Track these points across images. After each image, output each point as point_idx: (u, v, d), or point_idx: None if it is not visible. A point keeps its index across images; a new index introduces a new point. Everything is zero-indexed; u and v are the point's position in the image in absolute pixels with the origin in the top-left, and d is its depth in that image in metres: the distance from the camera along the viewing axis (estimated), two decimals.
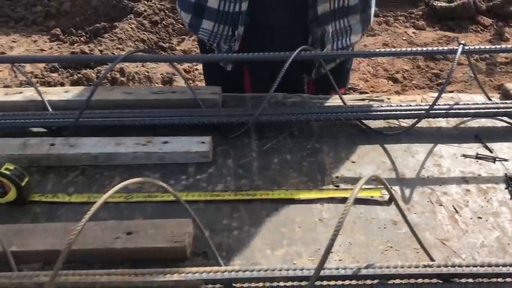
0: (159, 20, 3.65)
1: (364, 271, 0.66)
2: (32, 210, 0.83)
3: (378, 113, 1.01)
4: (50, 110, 1.02)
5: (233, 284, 0.68)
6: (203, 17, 1.16)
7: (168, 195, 0.80)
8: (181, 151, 0.92)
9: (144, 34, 3.50)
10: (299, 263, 0.73)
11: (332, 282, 0.66)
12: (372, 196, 0.85)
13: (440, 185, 0.87)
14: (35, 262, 0.74)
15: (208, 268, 0.68)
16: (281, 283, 0.66)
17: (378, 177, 0.65)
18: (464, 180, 0.88)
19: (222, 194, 0.86)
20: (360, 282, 0.66)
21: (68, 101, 1.04)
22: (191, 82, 2.85)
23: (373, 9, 1.25)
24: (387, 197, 0.85)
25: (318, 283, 0.65)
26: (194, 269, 0.68)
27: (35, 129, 1.01)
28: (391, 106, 1.02)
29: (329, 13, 1.12)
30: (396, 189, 0.87)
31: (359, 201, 0.84)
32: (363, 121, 1.02)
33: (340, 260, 0.74)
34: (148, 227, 0.76)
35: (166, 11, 3.74)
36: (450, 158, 0.94)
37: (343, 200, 0.84)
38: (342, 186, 0.88)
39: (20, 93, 1.08)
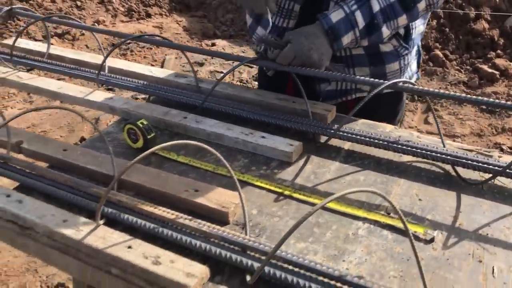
0: None
1: (323, 269, 0.73)
2: (149, 157, 1.10)
3: (475, 163, 0.99)
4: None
5: (247, 252, 0.80)
6: (259, 24, 1.36)
7: (229, 172, 0.97)
8: (271, 146, 1.08)
9: None
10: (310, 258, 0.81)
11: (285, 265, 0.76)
12: (415, 231, 0.86)
13: (494, 246, 0.83)
14: (131, 191, 0.99)
15: (232, 231, 0.82)
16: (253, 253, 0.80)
17: (379, 192, 0.69)
18: None
19: (283, 188, 0.98)
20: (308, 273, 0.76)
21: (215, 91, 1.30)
22: None
23: (396, 65, 1.30)
24: (429, 237, 0.85)
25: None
26: (223, 228, 0.83)
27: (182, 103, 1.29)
28: (497, 162, 0.98)
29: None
30: (444, 233, 0.86)
31: (399, 230, 0.86)
32: (456, 167, 1.01)
33: (347, 268, 0.79)
34: (210, 191, 0.94)
35: None
36: None
37: (386, 226, 0.88)
38: (392, 215, 0.91)
39: (185, 77, 1.38)
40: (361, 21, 1.17)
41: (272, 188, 0.99)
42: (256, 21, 1.38)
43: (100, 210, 0.85)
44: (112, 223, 0.88)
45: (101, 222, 0.87)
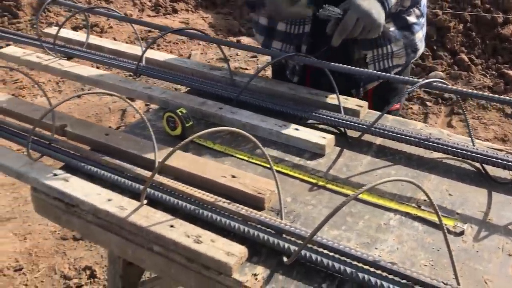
0: None
1: (358, 254, 0.76)
2: (188, 145, 1.14)
3: (505, 162, 1.01)
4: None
5: (283, 235, 0.84)
6: (274, 38, 1.41)
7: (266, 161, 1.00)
8: (304, 138, 1.11)
9: None
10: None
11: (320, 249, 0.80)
12: (445, 224, 0.89)
13: None
14: (171, 175, 1.03)
15: (269, 216, 0.86)
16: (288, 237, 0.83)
17: (414, 182, 0.72)
18: None
19: (317, 179, 1.02)
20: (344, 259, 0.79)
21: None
22: None
23: (420, 34, 1.40)
24: (459, 230, 0.88)
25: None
26: (259, 213, 0.87)
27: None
28: None
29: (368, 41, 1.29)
30: (474, 227, 0.89)
31: (430, 222, 0.89)
32: (485, 166, 1.03)
33: (379, 255, 0.82)
34: (246, 177, 0.98)
35: None
36: None
37: (417, 218, 0.91)
38: (423, 208, 0.93)
39: (219, 70, 1.42)
40: None
41: (306, 178, 1.02)
42: (269, 36, 1.43)
43: (145, 192, 0.90)
44: (154, 203, 0.93)
45: (145, 202, 0.91)
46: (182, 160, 1.04)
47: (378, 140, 1.14)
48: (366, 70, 1.21)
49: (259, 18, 1.46)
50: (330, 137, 1.12)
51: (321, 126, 1.19)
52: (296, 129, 1.14)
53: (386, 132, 1.11)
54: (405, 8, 1.34)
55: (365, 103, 1.24)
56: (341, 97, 1.24)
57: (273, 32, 1.41)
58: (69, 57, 1.58)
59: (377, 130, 1.12)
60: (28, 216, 2.25)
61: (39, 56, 1.54)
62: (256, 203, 0.94)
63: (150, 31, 4.68)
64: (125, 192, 0.97)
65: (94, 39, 1.64)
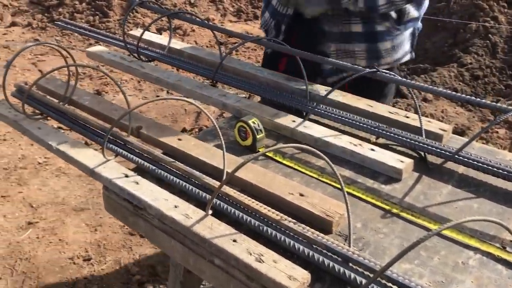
0: (481, 75, 3.59)
1: None
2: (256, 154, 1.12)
3: None
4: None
5: (350, 264, 0.79)
6: (267, 10, 1.59)
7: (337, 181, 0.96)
8: (380, 160, 1.05)
9: (459, 84, 3.52)
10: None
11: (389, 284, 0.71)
12: None
13: None
14: (237, 186, 1.01)
15: (336, 241, 0.82)
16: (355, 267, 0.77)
17: (502, 223, 0.65)
18: None
19: (391, 205, 0.96)
20: None
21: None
22: None
23: (387, 44, 1.47)
24: None
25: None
26: (326, 236, 0.83)
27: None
28: None
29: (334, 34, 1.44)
30: None
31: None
32: None
33: None
34: (315, 197, 0.94)
35: (493, 69, 3.64)
36: None
37: (500, 260, 0.82)
38: (508, 249, 0.85)
39: (295, 81, 1.39)
40: None
41: (379, 203, 0.97)
42: (265, 7, 1.60)
43: (211, 202, 0.88)
44: (219, 214, 0.91)
45: (210, 212, 0.90)
46: (250, 172, 1.02)
47: (461, 169, 1.06)
48: (334, 60, 1.29)
49: None
50: (409, 161, 1.05)
51: (399, 148, 1.13)
52: (372, 150, 1.09)
53: (470, 161, 1.02)
54: (375, 15, 1.43)
55: (449, 127, 1.16)
56: (424, 119, 1.16)
57: (269, 4, 1.58)
58: (151, 60, 1.62)
59: (461, 158, 1.03)
60: (100, 209, 2.34)
61: (122, 57, 1.59)
62: (323, 225, 0.89)
63: (230, 36, 4.75)
64: (192, 200, 0.97)
65: (176, 44, 1.67)
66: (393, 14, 1.44)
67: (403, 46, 1.54)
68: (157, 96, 3.69)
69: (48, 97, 1.37)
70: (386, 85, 1.56)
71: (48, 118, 1.29)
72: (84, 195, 2.52)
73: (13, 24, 5.19)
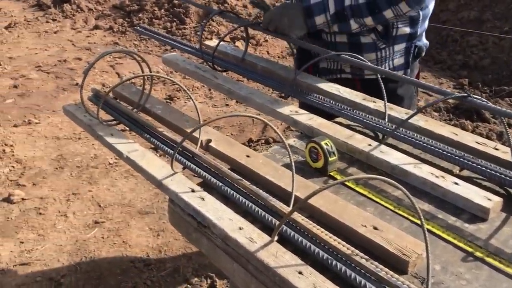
0: None
1: None
2: (327, 179, 1.06)
3: None
4: (385, 121, 1.21)
5: None
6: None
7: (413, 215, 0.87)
8: (464, 196, 0.96)
9: None
10: None
11: None
12: None
13: None
14: (305, 211, 0.96)
15: (412, 285, 0.74)
16: None
17: None
18: None
19: (474, 247, 0.86)
20: None
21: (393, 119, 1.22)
22: None
23: (372, 55, 1.50)
24: None
25: None
26: (401, 278, 0.75)
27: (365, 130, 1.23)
28: None
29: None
30: None
31: None
32: None
33: None
34: (390, 232, 0.86)
35: None
36: None
37: None
38: None
39: (373, 102, 1.32)
40: (332, 8, 1.43)
41: (461, 244, 0.87)
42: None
43: (278, 229, 0.84)
44: (285, 241, 0.86)
45: (275, 239, 0.85)
46: (320, 198, 0.95)
47: None
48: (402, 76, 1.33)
49: None
50: (497, 199, 0.95)
51: (485, 183, 1.03)
52: (456, 183, 0.99)
53: None
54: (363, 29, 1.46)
55: None
56: None
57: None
58: (224, 70, 1.60)
59: None
60: (164, 214, 2.36)
61: (197, 66, 1.59)
62: (398, 264, 0.82)
63: None
64: (257, 222, 0.93)
65: (250, 56, 1.65)
66: (379, 27, 1.47)
67: (392, 61, 1.53)
68: (226, 105, 3.71)
69: (122, 103, 1.39)
70: (400, 86, 1.54)
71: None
72: (150, 198, 2.56)
73: (96, 27, 5.47)
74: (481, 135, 2.77)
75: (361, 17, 1.41)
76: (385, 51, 1.51)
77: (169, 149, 1.15)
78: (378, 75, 1.30)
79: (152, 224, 2.37)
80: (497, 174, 1.00)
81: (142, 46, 4.92)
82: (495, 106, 1.06)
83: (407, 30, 1.50)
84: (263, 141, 3.16)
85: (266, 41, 4.89)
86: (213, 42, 1.73)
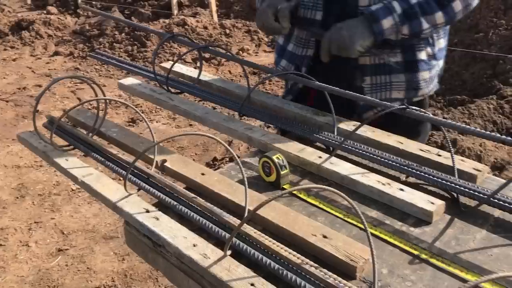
0: None
1: None
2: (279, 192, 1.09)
3: None
4: (335, 135, 1.26)
5: None
6: (283, 57, 1.54)
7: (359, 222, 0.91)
8: (409, 202, 1.00)
9: (499, 117, 3.40)
10: None
11: None
12: None
13: None
14: (258, 224, 0.98)
15: None
16: None
17: None
18: None
19: (420, 250, 0.90)
20: None
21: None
22: None
23: (425, 74, 1.41)
24: None
25: None
26: (349, 283, 0.78)
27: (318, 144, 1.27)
28: None
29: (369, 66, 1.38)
30: None
31: None
32: None
33: None
34: (339, 239, 0.90)
35: None
36: None
37: None
38: None
39: (323, 116, 1.37)
40: (398, 8, 1.28)
41: (407, 248, 0.91)
42: (280, 55, 1.56)
43: (229, 242, 0.86)
44: (238, 255, 0.88)
45: (228, 253, 0.87)
46: (272, 210, 0.99)
47: (497, 212, 1.00)
48: (361, 95, 1.25)
49: (278, 38, 1.60)
50: (440, 203, 1.00)
51: (430, 188, 1.08)
52: (401, 189, 1.04)
53: (507, 204, 0.96)
54: (417, 41, 1.38)
55: (484, 167, 1.10)
56: (457, 157, 1.11)
57: (284, 51, 1.55)
58: (179, 92, 1.63)
59: (496, 200, 0.97)
60: None
61: (152, 89, 1.61)
62: (346, 270, 0.85)
63: None
64: (211, 238, 0.95)
65: (205, 76, 1.68)
66: (430, 39, 1.40)
67: (436, 77, 1.49)
68: (190, 125, 3.73)
69: (78, 128, 1.39)
70: (420, 123, 1.47)
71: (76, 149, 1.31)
72: (114, 223, 2.54)
73: (56, 53, 5.42)
74: (436, 143, 2.88)
75: (432, 13, 1.29)
76: (434, 68, 1.44)
77: (122, 171, 1.16)
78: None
79: (117, 248, 2.34)
80: (440, 179, 1.05)
81: (104, 70, 4.90)
82: (432, 116, 1.12)
83: (443, 42, 1.45)
84: (227, 159, 3.18)
85: (227, 61, 4.95)
86: (168, 65, 1.75)
